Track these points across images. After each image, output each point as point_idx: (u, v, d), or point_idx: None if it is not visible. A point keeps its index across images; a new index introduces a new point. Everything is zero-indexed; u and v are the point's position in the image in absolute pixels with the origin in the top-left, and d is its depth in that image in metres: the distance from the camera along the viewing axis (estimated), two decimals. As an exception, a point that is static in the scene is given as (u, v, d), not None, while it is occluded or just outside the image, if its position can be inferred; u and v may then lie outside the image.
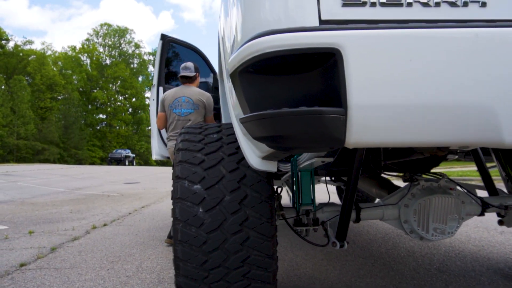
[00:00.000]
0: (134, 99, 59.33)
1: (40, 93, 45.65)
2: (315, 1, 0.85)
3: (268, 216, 1.45)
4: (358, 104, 0.78)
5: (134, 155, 42.85)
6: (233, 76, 0.95)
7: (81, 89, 53.65)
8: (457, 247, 3.04)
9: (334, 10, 0.85)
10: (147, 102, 63.50)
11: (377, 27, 0.79)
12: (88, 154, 48.41)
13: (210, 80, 4.80)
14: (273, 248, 1.45)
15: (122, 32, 59.80)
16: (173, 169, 1.55)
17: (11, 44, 46.23)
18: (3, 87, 39.84)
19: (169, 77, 4.62)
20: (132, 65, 61.37)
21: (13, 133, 38.70)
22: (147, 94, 65.11)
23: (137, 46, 61.79)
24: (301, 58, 0.83)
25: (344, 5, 0.86)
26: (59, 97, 48.44)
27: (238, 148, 1.55)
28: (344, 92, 0.78)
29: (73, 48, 55.64)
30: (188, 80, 3.84)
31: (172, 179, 1.51)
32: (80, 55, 55.81)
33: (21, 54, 45.90)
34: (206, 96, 3.76)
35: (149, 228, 4.32)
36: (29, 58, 46.27)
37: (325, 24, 0.84)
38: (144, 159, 55.35)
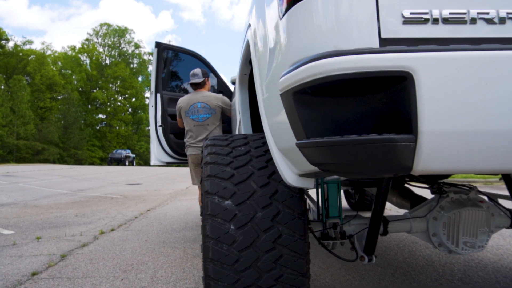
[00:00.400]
0: (134, 99, 59.24)
1: (40, 93, 45.55)
2: (375, 18, 0.80)
3: (301, 233, 1.40)
4: (430, 130, 0.73)
5: (134, 155, 42.79)
6: (285, 96, 0.90)
7: (80, 89, 53.54)
8: (476, 256, 3.00)
9: (395, 28, 0.80)
10: (147, 102, 63.39)
11: (450, 49, 0.74)
12: (87, 154, 48.32)
13: (214, 84, 4.77)
14: (306, 266, 1.41)
15: (121, 32, 59.71)
16: (201, 184, 1.50)
17: (10, 44, 46.16)
18: (2, 87, 39.74)
19: (169, 83, 4.60)
20: (132, 65, 61.28)
21: (13, 133, 38.60)
22: (147, 94, 64.99)
23: (137, 46, 61.70)
24: (365, 79, 0.78)
25: (405, 22, 0.81)
26: (59, 97, 48.33)
27: (268, 161, 1.51)
28: (415, 117, 0.74)
29: (73, 48, 55.55)
30: (198, 86, 3.95)
31: (202, 193, 1.46)
32: (79, 55, 55.71)
33: (20, 54, 45.79)
34: (221, 99, 3.86)
35: (158, 234, 4.27)
36: (29, 58, 46.17)
37: (386, 43, 0.79)
38: (144, 159, 55.26)
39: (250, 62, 1.88)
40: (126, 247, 3.63)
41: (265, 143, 1.60)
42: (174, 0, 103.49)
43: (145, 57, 64.21)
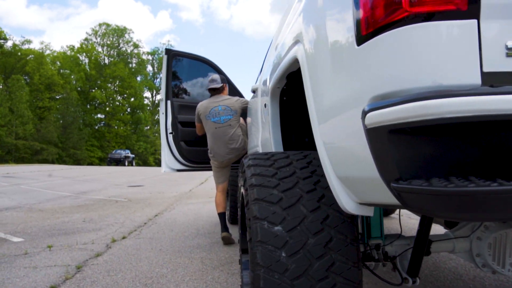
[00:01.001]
0: (133, 99, 59.12)
1: (39, 93, 45.39)
2: (476, 51, 0.74)
3: (355, 260, 1.34)
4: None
5: (133, 156, 42.70)
6: (377, 133, 0.83)
7: (79, 88, 53.37)
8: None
9: (498, 61, 0.74)
10: (145, 102, 63.32)
11: None
12: (86, 154, 48.16)
13: None
14: (359, 295, 1.35)
15: (120, 32, 59.56)
16: (246, 207, 1.43)
17: (9, 44, 45.92)
18: (1, 86, 39.58)
19: (180, 90, 4.54)
20: (130, 65, 61.15)
21: (12, 133, 38.43)
22: (146, 94, 64.92)
23: (135, 45, 61.58)
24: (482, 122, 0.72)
25: (509, 55, 0.75)
26: (58, 97, 48.17)
27: (316, 183, 1.45)
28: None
29: (72, 48, 55.37)
30: (217, 91, 4.04)
31: (249, 218, 1.39)
32: (78, 55, 55.52)
33: (19, 54, 45.61)
34: (240, 100, 4.00)
35: (171, 242, 4.20)
36: (28, 58, 46.00)
37: (488, 77, 0.73)
38: (142, 159, 55.18)
39: (287, 77, 1.81)
40: (142, 257, 3.56)
41: (309, 163, 1.54)
42: (172, 0, 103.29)
43: (144, 57, 64.11)
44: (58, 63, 51.13)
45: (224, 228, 4.03)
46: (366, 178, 1.03)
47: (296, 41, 1.43)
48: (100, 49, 58.43)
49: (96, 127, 55.88)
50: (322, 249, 1.32)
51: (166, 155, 4.21)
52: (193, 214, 6.43)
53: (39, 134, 41.28)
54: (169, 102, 4.28)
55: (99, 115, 56.94)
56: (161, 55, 65.99)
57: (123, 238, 4.52)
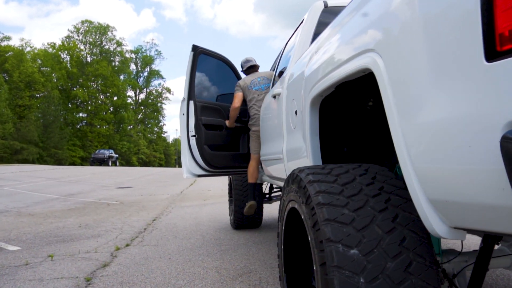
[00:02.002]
0: (115, 98, 58.22)
1: (19, 91, 44.23)
2: None
3: (435, 285, 1.25)
4: None
5: (117, 156, 42.04)
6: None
7: (60, 87, 52.25)
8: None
9: None
10: (129, 101, 62.46)
11: None
12: (68, 154, 47.18)
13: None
14: (438, 321, 1.25)
15: (103, 29, 58.59)
16: (314, 228, 1.32)
17: (-13, 40, 44.61)
18: (-21, 84, 38.37)
19: (202, 89, 4.36)
20: (113, 63, 60.22)
21: (-10, 132, 37.34)
22: (129, 93, 64.06)
23: (119, 44, 60.70)
24: None
25: None
26: (38, 95, 47.05)
27: (386, 202, 1.35)
28: None
29: (53, 45, 54.13)
30: (254, 68, 4.48)
31: (321, 240, 1.28)
32: (60, 52, 54.32)
33: (-2, 50, 44.35)
34: (271, 72, 4.30)
35: (180, 251, 4.06)
36: (7, 55, 44.73)
37: None
38: (126, 159, 54.43)
39: (337, 86, 1.71)
40: (153, 268, 3.41)
41: (374, 178, 1.44)
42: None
43: (127, 55, 63.30)
44: (39, 60, 49.89)
45: (252, 197, 4.20)
46: (479, 204, 0.94)
47: (367, 50, 1.33)
48: (82, 47, 57.36)
49: (78, 126, 54.85)
50: (402, 274, 1.22)
51: (187, 160, 4.01)
52: (193, 219, 6.28)
53: (18, 133, 40.19)
54: (191, 103, 4.06)
55: (81, 114, 55.94)
56: (144, 53, 65.24)
57: (127, 245, 4.35)
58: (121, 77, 61.49)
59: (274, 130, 3.10)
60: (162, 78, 72.02)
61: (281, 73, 3.67)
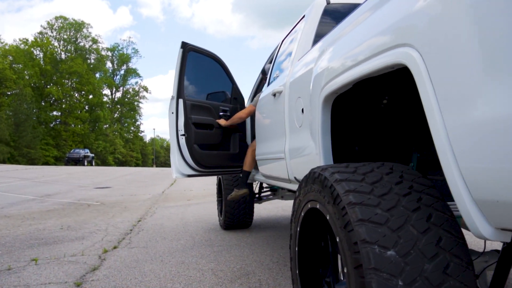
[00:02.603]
0: (91, 96, 56.95)
1: (-12, 88, 42.61)
2: None
3: (473, 287, 1.21)
4: None
5: (93, 155, 41.10)
6: None
7: (33, 84, 50.65)
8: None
9: None
10: (105, 100, 61.21)
11: None
12: (41, 154, 45.78)
13: (228, 90, 4.47)
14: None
15: (78, 26, 57.23)
16: (346, 228, 1.25)
17: (-45, 35, 42.79)
18: None
19: (190, 88, 4.23)
20: (89, 61, 58.87)
21: (-42, 131, 35.84)
22: (105, 91, 62.78)
23: (94, 41, 59.42)
24: None
25: None
26: (9, 93, 45.45)
27: (418, 201, 1.30)
28: None
29: (25, 41, 52.39)
30: None
31: (354, 241, 1.22)
32: (32, 49, 52.65)
33: (-34, 46, 42.63)
34: None
35: (171, 252, 3.94)
36: (-24, 51, 43.07)
37: None
38: (101, 159, 53.33)
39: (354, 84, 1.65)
40: (146, 271, 3.29)
41: (401, 177, 1.40)
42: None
43: (103, 53, 62.05)
44: (10, 57, 48.17)
45: (246, 185, 4.15)
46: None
47: (400, 44, 1.28)
48: (56, 44, 55.83)
49: (52, 125, 53.32)
50: (441, 276, 1.17)
51: (176, 160, 3.88)
52: (179, 220, 6.14)
53: (-12, 132, 38.74)
54: (181, 101, 3.94)
55: (55, 113, 54.38)
56: (121, 51, 64.08)
57: (115, 248, 4.20)
58: (97, 75, 60.22)
59: (273, 129, 3.04)
60: (139, 76, 71.01)
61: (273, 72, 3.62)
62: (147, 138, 78.59)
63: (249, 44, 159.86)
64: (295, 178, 2.60)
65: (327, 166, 1.53)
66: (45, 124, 51.11)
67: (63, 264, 3.58)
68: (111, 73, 64.26)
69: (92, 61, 59.62)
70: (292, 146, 2.52)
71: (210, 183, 15.60)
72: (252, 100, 4.53)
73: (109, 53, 63.98)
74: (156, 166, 59.92)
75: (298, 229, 1.77)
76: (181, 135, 3.88)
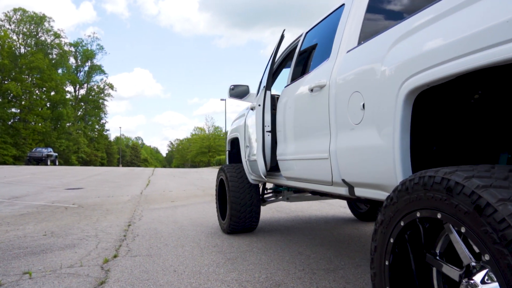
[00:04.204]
0: (53, 93, 54.52)
1: None
2: None
3: None
4: None
5: (56, 154, 39.30)
6: None
7: (-11, 79, 47.87)
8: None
9: None
10: (68, 97, 58.83)
11: None
12: (-2, 153, 43.38)
13: None
14: None
15: (39, 19, 54.66)
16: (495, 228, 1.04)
17: None
18: None
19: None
20: (51, 56, 56.38)
21: None
22: (68, 88, 60.36)
23: (57, 35, 56.96)
24: None
25: None
26: (-36, 88, 42.78)
27: None
28: None
29: (-20, 34, 49.40)
30: None
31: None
32: (-12, 42, 49.72)
33: None
34: None
35: (180, 260, 3.62)
36: None
37: None
38: (64, 158, 51.22)
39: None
40: (162, 284, 2.97)
41: None
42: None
43: (66, 48, 59.64)
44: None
45: None
46: None
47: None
48: (15, 37, 53.01)
49: (10, 122, 50.58)
50: None
51: (261, 160, 3.54)
52: (172, 223, 5.79)
53: None
54: (268, 93, 3.58)
55: (13, 110, 51.61)
56: (85, 47, 61.84)
57: (115, 257, 3.83)
58: (59, 71, 57.75)
59: (309, 127, 2.80)
60: (105, 73, 68.48)
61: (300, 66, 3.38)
62: (112, 137, 76.29)
63: (217, 44, 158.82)
64: (343, 180, 2.37)
65: (450, 169, 1.31)
66: (2, 122, 48.43)
67: (63, 277, 3.19)
68: (74, 69, 61.88)
69: (54, 56, 57.13)
70: (344, 145, 2.30)
71: (187, 183, 15.17)
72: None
73: (72, 49, 61.63)
74: (123, 166, 58.31)
75: (392, 240, 1.54)
76: (267, 131, 3.53)
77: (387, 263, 1.57)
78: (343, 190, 2.46)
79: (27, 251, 4.13)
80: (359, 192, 2.30)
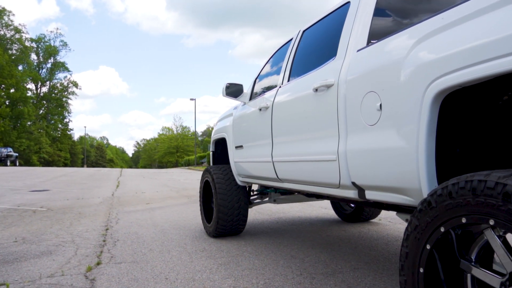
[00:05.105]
0: (13, 90, 52.03)
1: None
2: None
3: None
4: None
5: (16, 154, 37.53)
6: None
7: None
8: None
9: None
10: (29, 94, 56.39)
11: None
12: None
13: None
14: None
15: (-2, 13, 52.02)
16: None
17: None
18: None
19: None
20: (10, 51, 53.85)
21: None
22: (29, 86, 57.84)
23: (17, 30, 54.53)
24: None
25: None
26: None
27: None
28: None
29: None
30: None
31: None
32: None
33: None
34: None
35: (170, 267, 3.45)
36: None
37: None
38: (24, 158, 49.04)
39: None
40: (156, 293, 2.80)
41: None
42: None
43: (27, 44, 57.17)
44: None
45: None
46: None
47: None
48: (-30, 30, 50.25)
49: (-35, 120, 47.89)
50: None
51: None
52: (152, 226, 5.57)
53: None
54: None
55: (-31, 107, 48.88)
56: (47, 43, 59.57)
57: (98, 264, 3.60)
58: (20, 67, 55.24)
59: (312, 128, 2.71)
60: (69, 71, 65.85)
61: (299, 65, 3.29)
62: (76, 137, 73.82)
63: (185, 43, 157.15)
64: (353, 183, 2.30)
65: (503, 173, 1.24)
66: (-43, 120, 45.81)
67: (44, 288, 2.96)
68: (36, 66, 59.41)
69: (15, 52, 54.62)
70: (355, 146, 2.22)
71: (159, 184, 14.81)
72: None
73: (34, 45, 59.14)
74: (87, 166, 56.55)
75: (429, 246, 1.47)
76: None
77: (421, 270, 1.50)
78: (352, 193, 2.39)
79: (0, 260, 3.83)
80: (370, 195, 2.23)
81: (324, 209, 6.86)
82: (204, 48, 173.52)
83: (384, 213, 5.89)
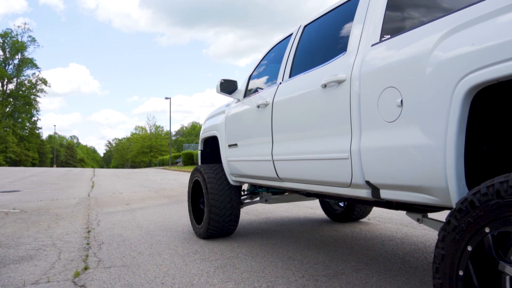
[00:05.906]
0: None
1: None
2: None
3: None
4: None
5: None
6: None
7: None
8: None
9: None
10: (-6, 91, 54.03)
11: None
12: None
13: None
14: None
15: (-39, 5, 49.64)
16: None
17: None
18: None
19: None
20: (-26, 46, 51.52)
21: None
22: (-5, 82, 55.47)
23: (-18, 24, 51.99)
24: None
25: None
26: None
27: None
28: None
29: None
30: None
31: None
32: None
33: None
34: None
35: (164, 271, 3.28)
36: None
37: None
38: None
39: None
40: (154, 299, 2.64)
41: None
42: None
43: (-7, 38, 54.84)
44: None
45: None
46: None
47: None
48: None
49: None
50: None
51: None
52: (136, 228, 5.36)
53: None
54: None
55: None
56: (14, 38, 57.42)
57: (86, 269, 3.40)
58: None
59: (320, 125, 2.62)
60: (37, 67, 63.49)
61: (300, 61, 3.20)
62: (45, 136, 71.41)
63: (158, 41, 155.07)
64: (367, 182, 2.22)
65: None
66: None
67: (30, 296, 2.75)
68: (2, 62, 57.06)
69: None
70: (371, 144, 2.14)
71: (136, 184, 14.44)
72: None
73: (0, 40, 56.77)
74: (57, 166, 54.81)
75: (470, 248, 1.40)
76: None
77: (461, 273, 1.43)
78: (364, 193, 2.31)
79: (-25, 265, 3.56)
80: (386, 194, 2.16)
81: (310, 209, 6.81)
82: (178, 47, 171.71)
83: (372, 213, 5.89)
